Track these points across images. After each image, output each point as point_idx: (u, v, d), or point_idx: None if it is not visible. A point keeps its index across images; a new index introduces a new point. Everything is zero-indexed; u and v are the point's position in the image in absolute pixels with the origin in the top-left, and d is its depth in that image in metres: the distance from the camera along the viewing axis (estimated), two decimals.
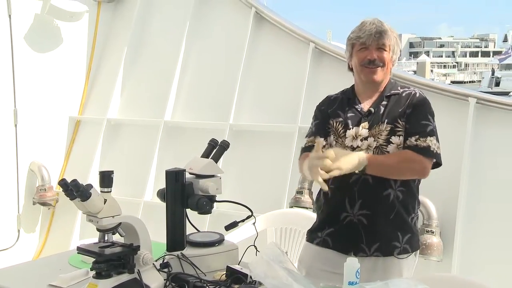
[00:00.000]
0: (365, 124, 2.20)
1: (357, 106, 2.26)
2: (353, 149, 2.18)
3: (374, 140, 2.16)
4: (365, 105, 2.26)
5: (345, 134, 2.22)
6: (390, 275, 2.10)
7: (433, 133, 2.16)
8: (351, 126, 2.22)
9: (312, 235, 2.33)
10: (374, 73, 2.22)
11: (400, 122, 2.16)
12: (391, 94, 2.24)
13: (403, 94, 2.23)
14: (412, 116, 2.17)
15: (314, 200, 2.52)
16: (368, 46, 2.20)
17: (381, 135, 2.17)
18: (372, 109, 2.23)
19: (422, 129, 2.14)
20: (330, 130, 2.28)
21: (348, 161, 1.99)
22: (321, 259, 2.26)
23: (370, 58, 2.20)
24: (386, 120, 2.17)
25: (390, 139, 2.15)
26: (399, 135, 2.15)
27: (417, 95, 2.22)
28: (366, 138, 2.18)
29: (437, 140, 2.16)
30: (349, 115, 2.25)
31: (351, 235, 2.18)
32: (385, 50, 2.21)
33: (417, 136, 2.13)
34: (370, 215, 2.16)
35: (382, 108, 2.22)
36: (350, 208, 2.18)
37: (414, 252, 2.25)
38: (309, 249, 2.33)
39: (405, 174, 2.17)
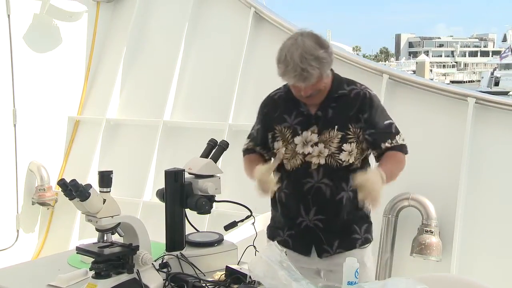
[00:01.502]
0: (313, 129, 2.15)
1: (302, 109, 2.18)
2: (304, 155, 2.15)
3: (324, 147, 2.13)
4: (312, 108, 2.17)
5: (294, 140, 2.17)
6: None
7: (397, 129, 2.19)
8: (299, 132, 2.17)
9: (273, 233, 2.34)
10: (311, 101, 2.14)
11: (352, 128, 2.13)
12: (338, 95, 2.17)
13: (351, 95, 2.17)
14: (372, 119, 2.14)
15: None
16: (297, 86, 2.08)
17: (332, 142, 2.13)
18: (320, 113, 2.16)
19: (389, 130, 2.16)
20: (277, 136, 2.22)
21: (379, 191, 1.99)
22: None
23: (304, 95, 2.10)
24: (336, 127, 2.13)
25: (342, 147, 2.13)
26: (350, 142, 2.13)
27: (367, 95, 2.17)
28: (316, 144, 2.14)
29: (400, 132, 2.19)
30: (296, 120, 2.19)
31: (310, 238, 2.22)
32: (317, 83, 2.05)
33: (389, 140, 2.15)
34: (325, 219, 2.19)
35: (331, 111, 2.15)
36: (306, 215, 2.20)
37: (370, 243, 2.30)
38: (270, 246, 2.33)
39: (399, 173, 2.17)
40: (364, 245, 2.25)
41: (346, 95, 2.17)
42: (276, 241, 2.23)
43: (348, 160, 2.14)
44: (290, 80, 2.05)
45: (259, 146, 2.35)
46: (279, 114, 2.23)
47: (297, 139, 2.17)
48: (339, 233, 2.21)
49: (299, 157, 2.17)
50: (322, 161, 2.14)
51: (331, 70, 2.16)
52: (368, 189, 1.96)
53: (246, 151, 2.41)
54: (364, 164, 2.23)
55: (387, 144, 2.15)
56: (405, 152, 2.19)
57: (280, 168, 2.23)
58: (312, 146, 2.15)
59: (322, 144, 2.14)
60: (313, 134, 2.15)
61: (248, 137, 2.40)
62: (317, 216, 2.19)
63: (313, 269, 2.25)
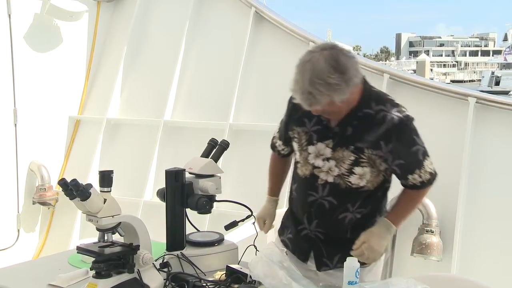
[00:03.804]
0: (329, 143, 2.03)
1: (323, 119, 2.04)
2: (314, 167, 2.07)
3: (335, 166, 2.03)
4: (333, 121, 2.03)
5: (308, 149, 2.08)
6: None
7: (425, 154, 2.02)
8: (315, 141, 2.06)
9: (282, 229, 2.33)
10: (329, 116, 2.02)
11: (367, 152, 1.98)
12: (363, 115, 1.99)
13: (378, 116, 1.97)
14: (399, 148, 1.98)
15: None
16: None
17: (344, 162, 2.01)
18: (338, 129, 2.02)
19: (416, 159, 2.00)
20: (295, 137, 2.15)
21: (380, 252, 2.03)
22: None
23: (314, 113, 2.00)
24: (351, 148, 1.99)
25: (353, 169, 2.01)
26: (363, 166, 1.99)
27: (396, 121, 1.96)
28: (328, 159, 2.04)
29: (428, 155, 2.03)
30: (314, 127, 2.08)
31: (309, 248, 2.17)
32: (326, 104, 1.89)
33: (417, 171, 2.01)
34: (326, 233, 2.13)
35: (350, 129, 2.00)
36: (308, 224, 2.16)
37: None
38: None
39: (416, 207, 2.18)
40: (365, 264, 2.06)
41: (372, 116, 1.98)
42: (281, 238, 2.29)
43: (359, 183, 2.03)
44: (297, 99, 1.92)
45: (280, 141, 2.31)
46: (300, 116, 2.11)
47: (311, 149, 2.08)
48: (342, 248, 2.08)
49: (309, 167, 2.10)
50: (330, 179, 2.05)
51: (364, 82, 2.01)
52: (370, 250, 1.99)
53: (273, 147, 2.39)
54: (379, 188, 2.10)
55: (415, 177, 2.01)
56: (432, 183, 2.05)
57: (296, 168, 2.20)
58: (323, 160, 2.05)
59: (334, 162, 2.03)
60: (327, 148, 2.04)
61: (279, 126, 2.32)
62: (318, 229, 2.13)
63: (311, 270, 2.21)
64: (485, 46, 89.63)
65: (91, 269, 1.94)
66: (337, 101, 1.87)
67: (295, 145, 2.16)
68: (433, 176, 2.05)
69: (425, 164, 2.01)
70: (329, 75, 1.83)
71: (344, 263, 1.80)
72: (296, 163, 2.20)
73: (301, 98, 1.88)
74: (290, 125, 2.17)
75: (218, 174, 2.29)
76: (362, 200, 2.08)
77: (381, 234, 2.03)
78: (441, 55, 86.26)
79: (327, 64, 1.84)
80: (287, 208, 2.34)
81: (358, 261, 1.83)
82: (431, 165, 2.04)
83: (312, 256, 2.17)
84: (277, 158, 2.40)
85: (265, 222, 2.37)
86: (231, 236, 2.58)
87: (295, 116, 2.14)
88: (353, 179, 2.03)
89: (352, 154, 2.00)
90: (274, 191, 2.42)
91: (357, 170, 2.01)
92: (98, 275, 1.90)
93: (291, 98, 2.15)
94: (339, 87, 1.84)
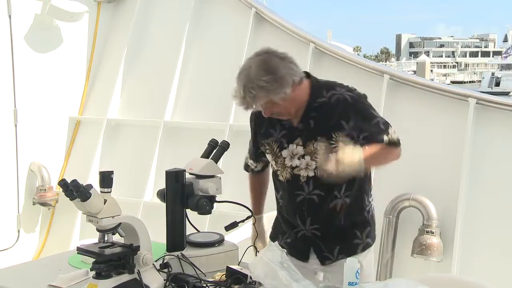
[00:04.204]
0: (298, 141, 2.14)
1: (285, 123, 2.17)
2: (292, 168, 2.16)
3: (311, 159, 2.12)
4: (294, 120, 2.15)
5: (281, 154, 2.18)
6: None
7: (387, 124, 2.13)
8: (286, 145, 2.17)
9: (274, 236, 2.38)
10: (280, 117, 2.15)
11: (334, 136, 2.07)
12: (318, 104, 2.12)
13: (331, 101, 2.11)
14: (360, 123, 2.08)
15: None
16: None
17: (317, 154, 2.10)
18: (301, 125, 2.14)
19: (378, 129, 2.11)
20: (267, 149, 2.24)
21: (350, 166, 1.94)
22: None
23: (265, 115, 2.12)
24: (319, 138, 2.09)
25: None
26: (336, 150, 2.02)
27: (349, 99, 2.10)
28: (303, 156, 2.14)
29: (390, 125, 2.14)
30: (281, 133, 2.19)
31: (307, 247, 2.23)
32: (268, 105, 2.05)
33: (384, 137, 2.10)
34: (321, 228, 2.20)
35: (312, 122, 2.12)
36: (302, 224, 2.22)
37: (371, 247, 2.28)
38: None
39: (385, 161, 2.17)
40: (365, 250, 2.23)
41: (326, 102, 2.11)
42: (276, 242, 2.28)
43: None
44: (237, 104, 2.06)
45: (251, 160, 2.46)
46: (265, 129, 2.24)
47: (284, 153, 2.17)
48: (339, 239, 2.20)
49: (288, 170, 2.19)
50: (311, 174, 2.14)
51: (309, 78, 2.14)
52: (339, 161, 1.91)
53: (246, 168, 2.53)
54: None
55: (384, 138, 2.11)
56: (398, 145, 2.15)
57: (275, 176, 2.28)
58: (299, 158, 2.15)
59: (309, 157, 2.13)
60: (298, 147, 2.14)
61: (248, 148, 2.47)
62: (313, 225, 2.20)
63: (311, 269, 2.25)
64: (485, 47, 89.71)
65: (91, 270, 1.94)
66: (276, 100, 2.00)
67: (269, 157, 2.25)
68: (397, 140, 2.14)
69: (389, 131, 2.12)
70: (261, 77, 1.98)
71: (344, 264, 1.81)
72: (274, 173, 2.29)
73: (239, 103, 2.03)
74: (260, 141, 2.28)
75: (219, 175, 2.29)
76: (346, 184, 2.14)
77: (346, 148, 1.97)
78: (441, 56, 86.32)
79: (259, 69, 2.00)
80: (275, 218, 2.40)
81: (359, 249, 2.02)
82: (395, 134, 2.14)
83: (313, 252, 2.22)
84: (253, 177, 2.53)
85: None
86: (231, 237, 2.58)
87: (261, 131, 2.27)
88: None
89: (322, 144, 2.09)
90: (259, 208, 2.52)
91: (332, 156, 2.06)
92: (98, 276, 1.90)
93: (250, 118, 2.32)
94: (271, 87, 1.98)
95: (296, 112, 2.13)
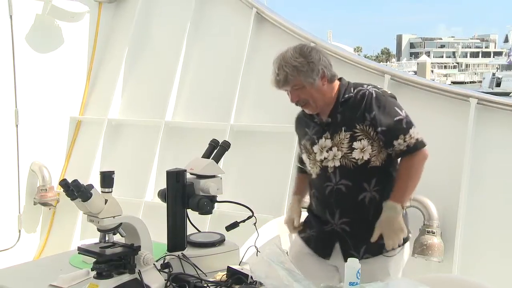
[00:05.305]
0: (326, 135, 2.25)
1: (316, 120, 2.31)
2: (321, 161, 2.25)
3: (338, 150, 2.21)
4: (323, 116, 2.29)
5: (313, 149, 2.29)
6: (377, 274, 2.10)
7: (410, 124, 2.18)
8: (316, 140, 2.28)
9: (304, 229, 2.42)
10: (306, 109, 2.29)
11: (359, 126, 2.17)
12: (345, 100, 2.24)
13: (358, 96, 2.21)
14: (381, 117, 2.16)
15: None
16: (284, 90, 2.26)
17: (342, 144, 2.20)
18: (330, 119, 2.25)
19: (400, 126, 2.16)
20: (303, 150, 2.37)
21: (400, 229, 2.16)
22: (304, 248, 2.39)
23: (292, 101, 2.27)
24: (344, 128, 2.20)
25: (352, 145, 2.18)
26: (360, 140, 2.17)
27: (374, 94, 2.19)
28: (330, 148, 2.23)
29: (414, 125, 2.19)
30: (313, 130, 2.32)
31: (334, 242, 2.27)
32: (297, 89, 2.21)
33: (401, 136, 2.15)
34: (350, 221, 2.23)
35: (339, 116, 2.23)
36: (332, 219, 2.26)
37: (403, 244, 2.28)
38: (297, 238, 2.46)
39: (420, 175, 2.23)
40: (391, 251, 2.21)
41: (352, 97, 2.22)
42: (301, 236, 2.41)
43: (362, 157, 2.17)
44: (274, 85, 2.24)
45: (298, 163, 2.53)
46: (303, 130, 2.38)
47: (315, 148, 2.28)
48: (366, 238, 2.20)
49: (318, 164, 2.27)
50: (337, 164, 2.21)
51: (339, 79, 2.28)
52: (387, 237, 2.12)
53: (297, 169, 2.59)
54: (387, 164, 2.22)
55: (400, 142, 2.15)
56: (421, 147, 2.18)
57: (310, 177, 2.36)
58: (327, 151, 2.24)
59: (336, 148, 2.21)
60: (327, 140, 2.24)
61: (299, 153, 2.52)
62: (342, 219, 2.24)
63: (331, 265, 2.29)
64: (486, 47, 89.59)
65: (92, 270, 1.94)
66: (305, 84, 2.16)
67: (305, 156, 2.35)
68: (419, 142, 2.17)
69: (411, 132, 2.17)
70: (294, 59, 2.17)
71: (345, 264, 1.80)
72: (310, 176, 2.36)
73: (273, 81, 2.22)
74: (300, 142, 2.41)
75: (219, 175, 2.29)
76: (376, 178, 2.20)
77: (390, 219, 2.15)
78: (442, 57, 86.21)
79: (294, 51, 2.19)
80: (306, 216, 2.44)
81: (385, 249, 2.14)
82: (417, 134, 2.18)
83: (338, 249, 2.26)
84: (301, 173, 2.56)
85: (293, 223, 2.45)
86: (232, 237, 2.58)
87: (300, 132, 2.41)
88: (356, 154, 2.17)
89: (347, 133, 2.19)
90: (299, 190, 2.53)
91: (356, 144, 2.17)
92: (99, 276, 1.90)
93: (295, 126, 2.46)
94: (303, 69, 2.15)
95: (326, 108, 2.25)
